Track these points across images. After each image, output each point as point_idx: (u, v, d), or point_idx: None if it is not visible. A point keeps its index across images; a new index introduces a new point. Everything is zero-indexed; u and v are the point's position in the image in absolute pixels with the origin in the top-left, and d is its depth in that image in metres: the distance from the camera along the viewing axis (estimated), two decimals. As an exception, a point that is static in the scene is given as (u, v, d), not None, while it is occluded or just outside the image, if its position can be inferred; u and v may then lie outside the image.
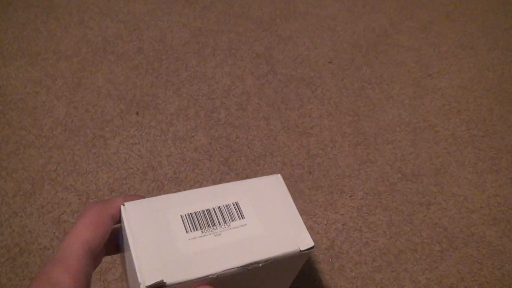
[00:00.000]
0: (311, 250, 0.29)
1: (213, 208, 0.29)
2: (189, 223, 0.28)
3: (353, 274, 0.51)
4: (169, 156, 0.61)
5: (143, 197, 0.30)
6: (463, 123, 0.67)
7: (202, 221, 0.28)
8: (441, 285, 0.50)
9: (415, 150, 0.63)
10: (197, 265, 0.26)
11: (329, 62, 0.75)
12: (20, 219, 0.54)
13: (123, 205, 0.28)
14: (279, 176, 0.33)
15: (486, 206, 0.57)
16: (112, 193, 0.57)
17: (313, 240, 0.54)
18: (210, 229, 0.28)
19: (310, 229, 0.54)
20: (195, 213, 0.29)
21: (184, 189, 0.57)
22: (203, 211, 0.29)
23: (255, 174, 0.60)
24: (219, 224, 0.28)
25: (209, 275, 0.26)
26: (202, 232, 0.28)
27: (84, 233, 0.24)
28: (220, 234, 0.28)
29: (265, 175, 0.34)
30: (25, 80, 0.68)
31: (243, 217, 0.29)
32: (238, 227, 0.28)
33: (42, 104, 0.65)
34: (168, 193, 0.57)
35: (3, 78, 0.68)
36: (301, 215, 0.55)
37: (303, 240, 0.29)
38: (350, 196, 0.58)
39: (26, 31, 0.74)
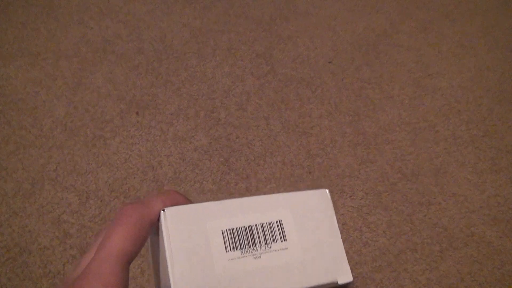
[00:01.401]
0: (349, 284, 0.29)
1: (256, 225, 0.28)
2: (230, 240, 0.27)
3: (353, 274, 0.51)
4: (169, 156, 0.61)
5: (180, 194, 0.28)
6: (463, 123, 0.67)
7: (242, 239, 0.27)
8: (441, 285, 0.50)
9: (415, 150, 0.63)
10: None
11: (329, 62, 0.75)
12: (20, 219, 0.54)
13: (163, 210, 0.26)
14: (326, 191, 0.31)
15: (486, 206, 0.57)
16: (112, 193, 0.57)
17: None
18: (250, 250, 0.27)
19: (310, 229, 0.54)
20: (236, 229, 0.27)
21: (184, 189, 0.57)
22: (245, 227, 0.28)
23: (255, 174, 0.60)
24: (260, 245, 0.27)
25: None
26: (242, 253, 0.27)
27: (123, 244, 0.22)
28: (260, 257, 0.27)
29: (312, 189, 0.31)
30: (25, 80, 0.68)
31: (285, 239, 0.28)
32: (278, 250, 0.27)
33: (42, 104, 0.65)
34: (168, 193, 0.57)
35: (3, 78, 0.68)
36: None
37: (342, 273, 0.29)
38: (350, 196, 0.58)
39: (26, 31, 0.75)
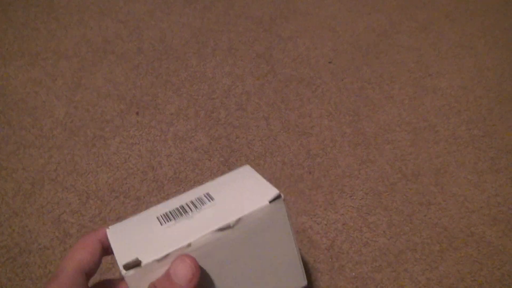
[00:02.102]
0: (280, 200, 0.30)
1: (186, 203, 0.31)
2: (164, 219, 0.30)
3: (353, 274, 0.51)
4: (169, 156, 0.61)
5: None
6: (463, 123, 0.67)
7: (176, 214, 0.30)
8: (441, 285, 0.50)
9: (415, 150, 0.63)
10: (171, 241, 0.27)
11: (329, 62, 0.75)
12: (20, 219, 0.54)
13: (108, 228, 0.31)
14: (247, 165, 0.36)
15: (486, 206, 0.57)
16: (112, 193, 0.57)
17: (312, 234, 0.53)
18: (183, 217, 0.29)
19: (310, 229, 0.54)
20: (170, 211, 0.30)
21: (184, 190, 0.57)
22: (177, 208, 0.30)
23: (255, 174, 0.59)
24: (191, 211, 0.30)
25: (182, 247, 0.27)
26: (176, 221, 0.29)
27: (76, 254, 0.29)
28: (192, 217, 0.29)
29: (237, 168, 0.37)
30: (25, 80, 0.68)
31: (212, 200, 0.30)
32: (208, 208, 0.30)
33: (42, 104, 0.65)
34: (168, 193, 0.57)
35: (3, 78, 0.68)
36: (301, 215, 0.55)
37: (269, 193, 0.30)
38: (350, 196, 0.58)
39: (26, 31, 0.75)
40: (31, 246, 0.52)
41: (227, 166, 0.60)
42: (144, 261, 0.25)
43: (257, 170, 0.61)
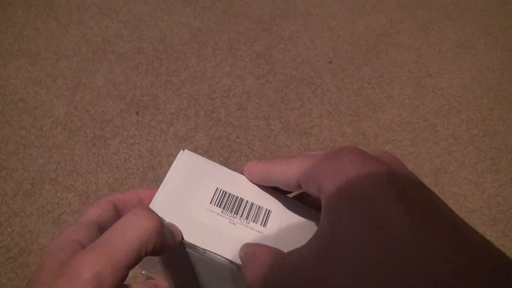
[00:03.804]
0: None
1: (247, 201, 0.29)
2: (218, 197, 0.29)
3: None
4: (169, 156, 0.61)
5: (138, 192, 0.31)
6: (463, 123, 0.67)
7: (229, 203, 0.28)
8: (441, 285, 0.50)
9: (415, 150, 0.63)
10: (196, 233, 0.27)
11: (329, 62, 0.75)
12: (20, 219, 0.54)
13: (183, 150, 0.30)
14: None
15: (486, 206, 0.57)
16: (112, 193, 0.57)
17: None
18: (230, 214, 0.28)
19: (310, 229, 0.54)
20: (229, 193, 0.29)
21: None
22: (236, 197, 0.29)
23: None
24: (241, 216, 0.28)
25: (199, 247, 0.26)
26: (222, 212, 0.28)
27: (88, 210, 0.28)
28: (235, 224, 0.28)
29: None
30: (25, 80, 0.68)
31: (264, 226, 0.28)
32: (254, 229, 0.28)
33: (42, 104, 0.65)
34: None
35: (3, 78, 0.68)
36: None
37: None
38: (350, 196, 0.58)
39: (26, 31, 0.74)
40: (31, 246, 0.52)
41: (227, 166, 0.60)
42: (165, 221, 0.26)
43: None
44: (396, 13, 0.85)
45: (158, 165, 0.60)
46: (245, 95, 0.69)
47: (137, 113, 0.66)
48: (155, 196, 0.28)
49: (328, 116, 0.67)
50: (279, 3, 0.85)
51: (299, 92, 0.70)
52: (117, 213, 0.28)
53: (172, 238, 0.25)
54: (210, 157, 0.61)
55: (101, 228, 0.26)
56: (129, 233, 0.22)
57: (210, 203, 0.28)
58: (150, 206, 0.27)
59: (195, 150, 0.62)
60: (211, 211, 0.28)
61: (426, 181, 0.59)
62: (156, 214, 0.23)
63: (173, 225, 0.26)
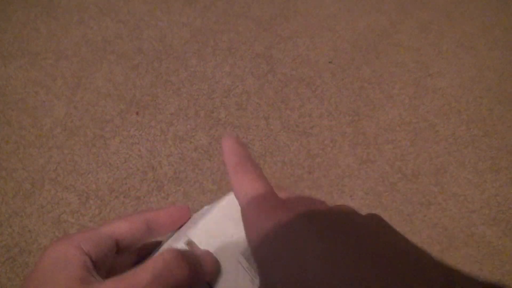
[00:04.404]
0: None
1: None
2: (248, 251, 0.28)
3: None
4: (169, 156, 0.61)
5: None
6: (463, 123, 0.67)
7: None
8: (441, 285, 0.50)
9: (415, 150, 0.63)
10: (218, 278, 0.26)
11: (329, 62, 0.75)
12: (20, 219, 0.54)
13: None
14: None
15: (486, 206, 0.57)
16: (112, 193, 0.57)
17: None
18: (253, 273, 0.27)
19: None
20: None
21: (184, 189, 0.57)
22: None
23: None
24: None
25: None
26: (248, 267, 0.27)
27: (115, 221, 0.24)
28: (254, 285, 0.27)
29: None
30: (25, 80, 0.68)
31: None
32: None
33: (42, 104, 0.65)
34: (168, 193, 0.57)
35: (3, 78, 0.68)
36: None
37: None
38: (350, 196, 0.58)
39: (26, 31, 0.74)
40: (31, 246, 0.52)
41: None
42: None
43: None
44: (396, 13, 0.85)
45: (158, 165, 0.60)
46: (245, 95, 0.69)
47: (137, 113, 0.66)
48: (197, 223, 0.26)
49: (328, 116, 0.67)
50: (279, 3, 0.85)
51: (299, 92, 0.70)
52: (149, 232, 0.26)
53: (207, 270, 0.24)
54: (210, 157, 0.61)
55: (122, 245, 0.24)
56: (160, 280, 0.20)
57: (241, 253, 0.27)
58: (187, 234, 0.25)
59: (195, 149, 0.62)
60: (239, 262, 0.27)
61: (426, 181, 0.59)
62: (187, 263, 0.22)
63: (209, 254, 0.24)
